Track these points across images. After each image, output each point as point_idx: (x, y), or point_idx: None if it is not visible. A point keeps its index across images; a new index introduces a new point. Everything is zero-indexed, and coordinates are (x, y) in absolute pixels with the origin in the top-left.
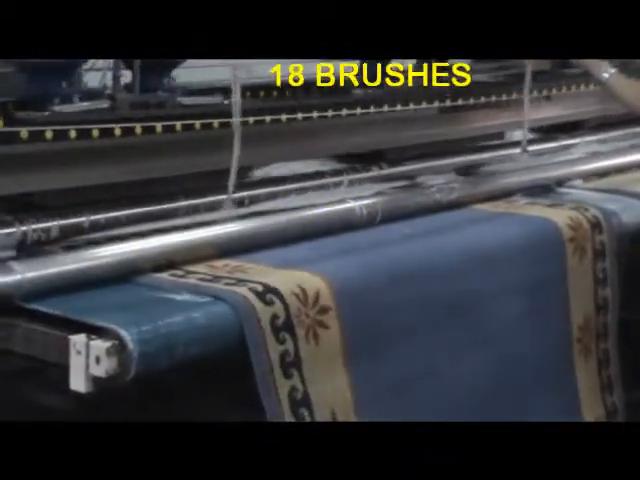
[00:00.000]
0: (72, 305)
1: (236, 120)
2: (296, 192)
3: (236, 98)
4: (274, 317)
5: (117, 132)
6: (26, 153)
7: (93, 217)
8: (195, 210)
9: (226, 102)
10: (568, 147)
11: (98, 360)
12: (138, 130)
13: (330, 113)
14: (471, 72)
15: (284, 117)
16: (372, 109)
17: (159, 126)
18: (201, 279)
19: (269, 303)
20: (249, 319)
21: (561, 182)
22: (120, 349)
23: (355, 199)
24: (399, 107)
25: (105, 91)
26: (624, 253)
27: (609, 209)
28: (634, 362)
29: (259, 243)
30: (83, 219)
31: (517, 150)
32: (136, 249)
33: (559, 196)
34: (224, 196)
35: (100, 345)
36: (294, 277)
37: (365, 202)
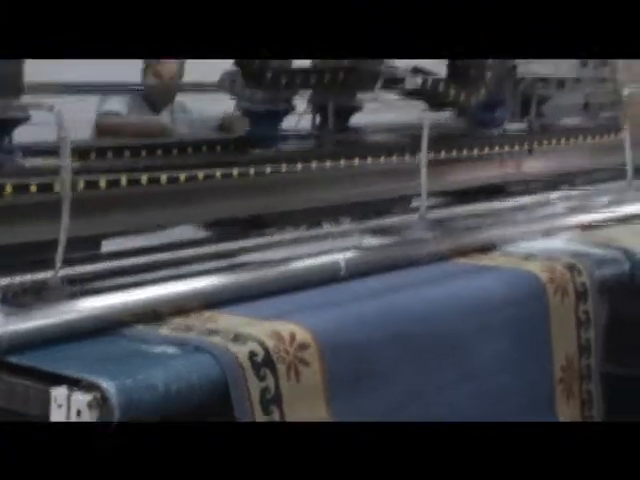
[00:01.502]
0: (53, 358)
1: (66, 186)
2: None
3: (65, 162)
4: (252, 354)
5: None
6: None
7: None
8: None
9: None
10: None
11: (79, 413)
12: None
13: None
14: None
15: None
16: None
17: None
18: (181, 330)
19: (245, 343)
20: (229, 363)
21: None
22: (101, 402)
23: (337, 252)
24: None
25: None
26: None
27: (584, 256)
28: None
29: (239, 295)
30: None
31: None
32: (117, 302)
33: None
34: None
35: (81, 398)
36: (271, 325)
37: (346, 256)
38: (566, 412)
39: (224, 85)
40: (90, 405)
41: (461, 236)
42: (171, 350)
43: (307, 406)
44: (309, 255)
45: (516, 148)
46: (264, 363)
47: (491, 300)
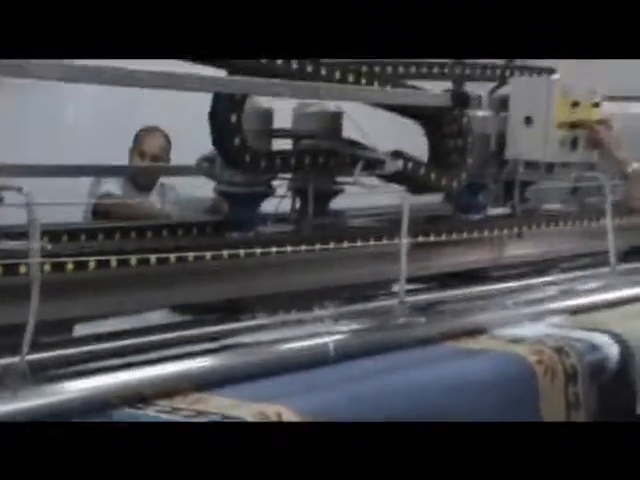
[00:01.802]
0: None
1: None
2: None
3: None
4: None
5: None
6: None
7: None
8: None
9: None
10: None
11: None
12: None
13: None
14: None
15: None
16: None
17: None
18: (168, 413)
19: None
20: None
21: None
22: None
23: (325, 335)
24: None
25: None
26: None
27: (572, 339)
28: None
29: (227, 377)
30: None
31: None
32: (103, 383)
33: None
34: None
35: None
36: (258, 407)
37: (334, 338)
38: None
39: (202, 168)
40: None
41: (448, 320)
42: None
43: None
44: (287, 339)
45: (497, 232)
46: None
47: (480, 382)
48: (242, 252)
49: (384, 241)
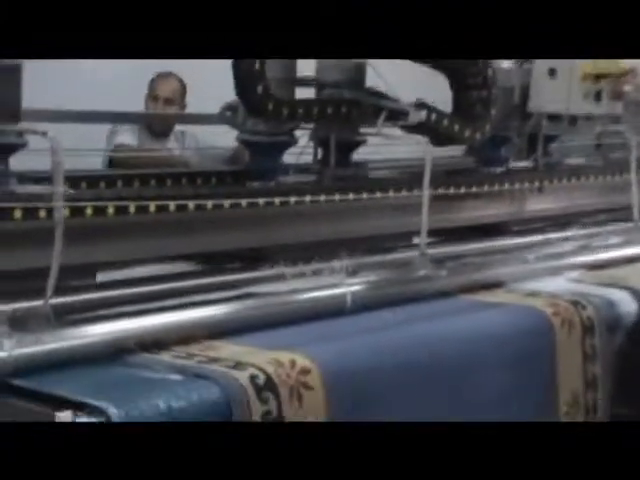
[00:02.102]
0: (59, 383)
1: (58, 211)
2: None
3: (58, 188)
4: (253, 377)
5: None
6: None
7: None
8: None
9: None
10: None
11: None
12: None
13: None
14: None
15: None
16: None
17: None
18: (183, 358)
19: (246, 369)
20: (231, 386)
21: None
22: None
23: (345, 285)
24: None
25: None
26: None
27: (589, 294)
28: None
29: (243, 326)
30: None
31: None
32: (124, 328)
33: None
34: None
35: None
36: (272, 354)
37: (353, 289)
38: None
39: (224, 117)
40: None
41: (466, 273)
42: (173, 377)
43: None
44: (305, 289)
45: (521, 186)
46: (266, 387)
47: (496, 334)
48: (262, 201)
49: (405, 193)
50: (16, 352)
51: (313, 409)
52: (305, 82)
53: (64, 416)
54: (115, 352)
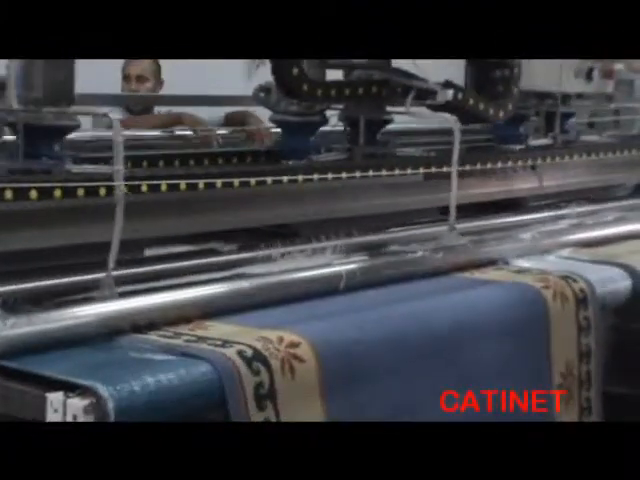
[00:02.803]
0: (50, 363)
1: (119, 188)
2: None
3: (118, 166)
4: (241, 352)
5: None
6: None
7: None
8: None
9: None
10: (505, 227)
11: (75, 418)
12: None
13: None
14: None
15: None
16: (269, 179)
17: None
18: (171, 338)
19: (232, 346)
20: (220, 361)
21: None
22: (97, 407)
23: (338, 264)
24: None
25: None
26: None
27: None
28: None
29: (234, 305)
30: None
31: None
32: (115, 309)
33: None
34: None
35: (77, 403)
36: (258, 332)
37: (347, 267)
38: (564, 419)
39: (259, 97)
40: (86, 410)
41: (459, 252)
42: (163, 356)
43: (302, 403)
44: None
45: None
46: (255, 358)
47: (487, 308)
48: (301, 178)
49: (434, 169)
50: (7, 333)
51: (307, 381)
52: (336, 64)
53: (55, 397)
54: (106, 333)
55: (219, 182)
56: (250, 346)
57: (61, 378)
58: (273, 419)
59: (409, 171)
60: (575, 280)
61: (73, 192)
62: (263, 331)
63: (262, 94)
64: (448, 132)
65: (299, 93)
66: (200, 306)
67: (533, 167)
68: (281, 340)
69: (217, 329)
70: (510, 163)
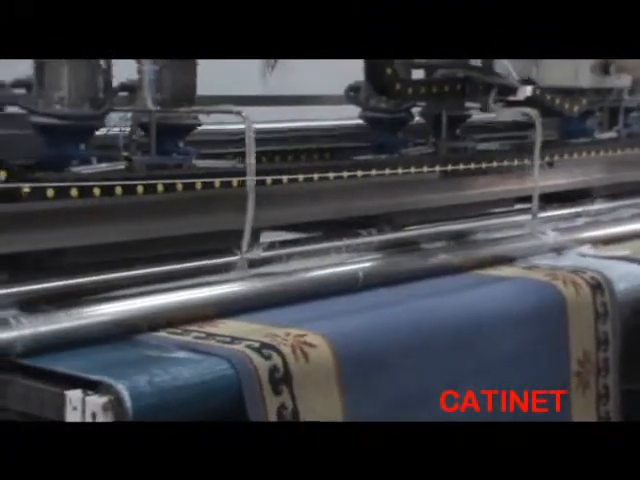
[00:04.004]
0: (69, 362)
1: (250, 180)
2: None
3: (250, 159)
4: (249, 346)
5: (139, 190)
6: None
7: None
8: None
9: (240, 165)
10: (578, 214)
11: (94, 416)
12: (160, 188)
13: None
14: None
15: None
16: (374, 172)
17: (179, 185)
18: (196, 337)
19: (240, 343)
20: (235, 357)
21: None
22: (116, 404)
23: (353, 262)
24: (401, 170)
25: (121, 153)
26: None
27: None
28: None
29: (255, 304)
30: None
31: (527, 216)
32: (133, 308)
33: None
34: (236, 257)
35: (96, 401)
36: (264, 328)
37: (364, 265)
38: (581, 406)
39: (349, 96)
40: (105, 407)
41: (474, 248)
42: (187, 356)
43: (318, 386)
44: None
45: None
46: (264, 347)
47: (504, 299)
48: (388, 172)
49: (515, 162)
50: (26, 332)
51: (322, 364)
52: (423, 64)
53: (74, 395)
54: (123, 331)
55: (331, 175)
56: (256, 340)
57: (80, 376)
58: (289, 404)
59: (494, 164)
60: (584, 271)
61: (210, 184)
62: (272, 328)
63: (352, 93)
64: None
65: (392, 91)
66: (214, 305)
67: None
68: (288, 334)
69: (228, 326)
70: (584, 154)
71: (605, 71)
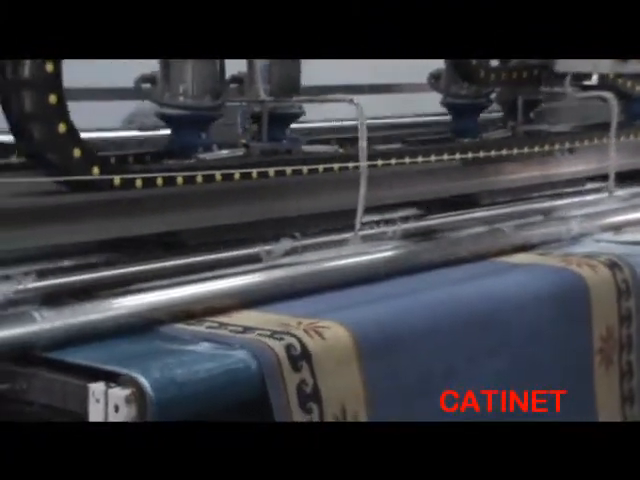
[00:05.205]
0: (91, 354)
1: (363, 165)
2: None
3: (362, 144)
4: (260, 333)
5: (254, 175)
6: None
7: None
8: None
9: (341, 150)
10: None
11: (117, 408)
12: (271, 173)
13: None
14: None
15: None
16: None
17: (289, 170)
18: (218, 329)
19: (280, 339)
20: (264, 356)
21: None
22: (139, 397)
23: (376, 251)
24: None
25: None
26: None
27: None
28: None
29: (277, 294)
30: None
31: (604, 195)
32: (156, 300)
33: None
34: (350, 234)
35: (119, 393)
36: (276, 317)
37: (386, 254)
38: (605, 383)
39: (431, 84)
40: (128, 400)
41: (497, 236)
42: (209, 348)
43: (337, 362)
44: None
45: None
46: (275, 333)
47: (523, 283)
48: (470, 156)
49: (587, 142)
50: (49, 325)
51: (339, 341)
52: None
53: (97, 387)
54: (145, 323)
55: (420, 159)
56: (269, 329)
57: (103, 368)
58: (310, 380)
59: (567, 145)
60: (600, 255)
61: (315, 170)
62: (277, 317)
63: (433, 80)
64: None
65: (477, 78)
66: (236, 296)
67: None
68: (300, 323)
69: (245, 316)
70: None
71: None
